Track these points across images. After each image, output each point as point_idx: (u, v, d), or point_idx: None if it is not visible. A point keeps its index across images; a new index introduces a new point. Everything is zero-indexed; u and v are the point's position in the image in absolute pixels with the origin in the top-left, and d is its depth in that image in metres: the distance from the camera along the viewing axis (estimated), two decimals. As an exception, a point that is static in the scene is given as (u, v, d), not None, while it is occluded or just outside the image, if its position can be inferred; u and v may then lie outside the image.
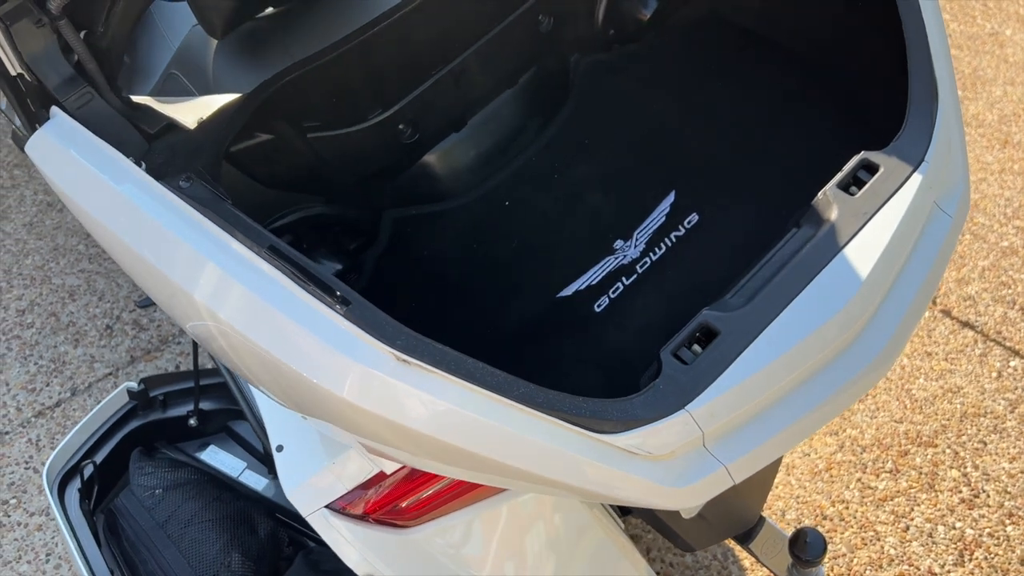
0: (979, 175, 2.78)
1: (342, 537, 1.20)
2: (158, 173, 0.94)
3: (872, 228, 0.94)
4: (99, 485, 1.67)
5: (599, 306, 1.15)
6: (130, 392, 1.80)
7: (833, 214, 0.96)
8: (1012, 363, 2.30)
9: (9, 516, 2.21)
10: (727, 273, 1.09)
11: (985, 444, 2.16)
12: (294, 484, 1.21)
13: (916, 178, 0.97)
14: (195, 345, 1.72)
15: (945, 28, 1.21)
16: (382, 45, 1.22)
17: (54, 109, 1.05)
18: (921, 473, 2.12)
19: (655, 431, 0.85)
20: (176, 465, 1.72)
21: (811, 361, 0.89)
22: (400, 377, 0.81)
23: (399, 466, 1.22)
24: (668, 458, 0.87)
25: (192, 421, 1.83)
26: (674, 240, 1.19)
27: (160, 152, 1.02)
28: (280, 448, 1.24)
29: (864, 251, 0.93)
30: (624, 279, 1.16)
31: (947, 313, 2.42)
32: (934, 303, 2.45)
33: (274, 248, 0.88)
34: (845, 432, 2.21)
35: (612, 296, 1.15)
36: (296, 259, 0.87)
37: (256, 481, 1.82)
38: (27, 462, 2.31)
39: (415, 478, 1.23)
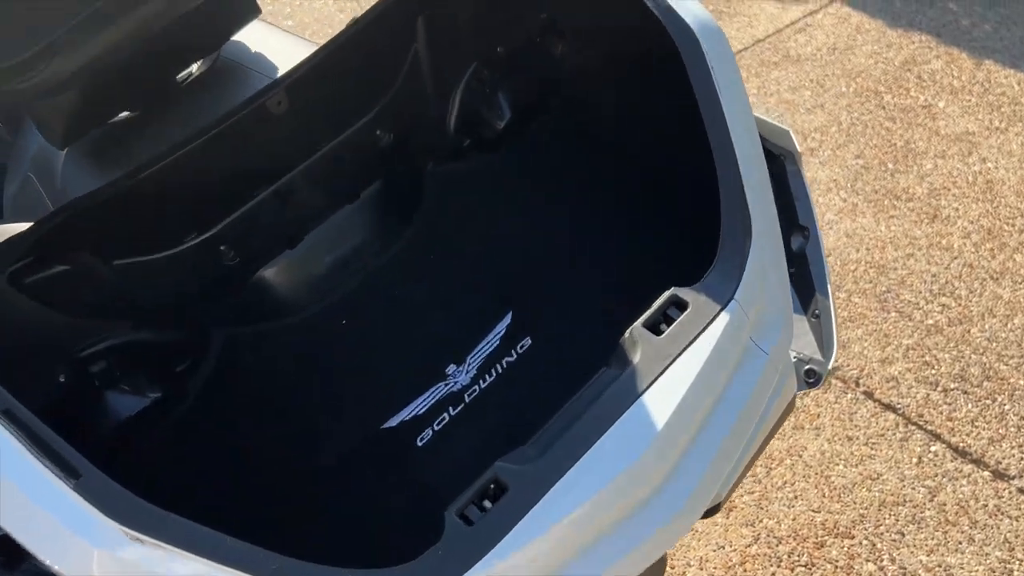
0: (907, 250, 2.77)
1: None
2: None
3: (675, 371, 0.91)
4: None
5: (421, 439, 1.12)
6: None
7: (637, 356, 0.93)
8: (933, 448, 2.26)
9: None
10: (550, 406, 1.05)
11: (903, 535, 2.10)
12: None
13: (723, 317, 0.94)
14: None
15: (763, 155, 1.19)
16: (196, 165, 1.19)
17: None
18: (837, 567, 2.07)
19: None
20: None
21: (601, 521, 0.85)
22: (134, 556, 0.77)
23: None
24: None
25: None
26: (505, 366, 1.16)
27: None
28: None
29: (664, 397, 0.89)
30: (451, 409, 1.13)
31: (869, 395, 2.38)
32: (856, 384, 2.42)
33: (9, 412, 0.84)
34: (762, 523, 2.16)
35: (436, 428, 1.12)
36: (31, 425, 0.83)
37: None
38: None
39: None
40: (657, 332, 0.95)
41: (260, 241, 1.34)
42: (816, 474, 2.23)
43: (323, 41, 1.37)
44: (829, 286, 1.73)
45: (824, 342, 1.66)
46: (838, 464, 2.25)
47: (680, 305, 0.97)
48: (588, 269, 1.25)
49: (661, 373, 0.91)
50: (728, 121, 1.06)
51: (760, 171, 1.07)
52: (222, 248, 1.30)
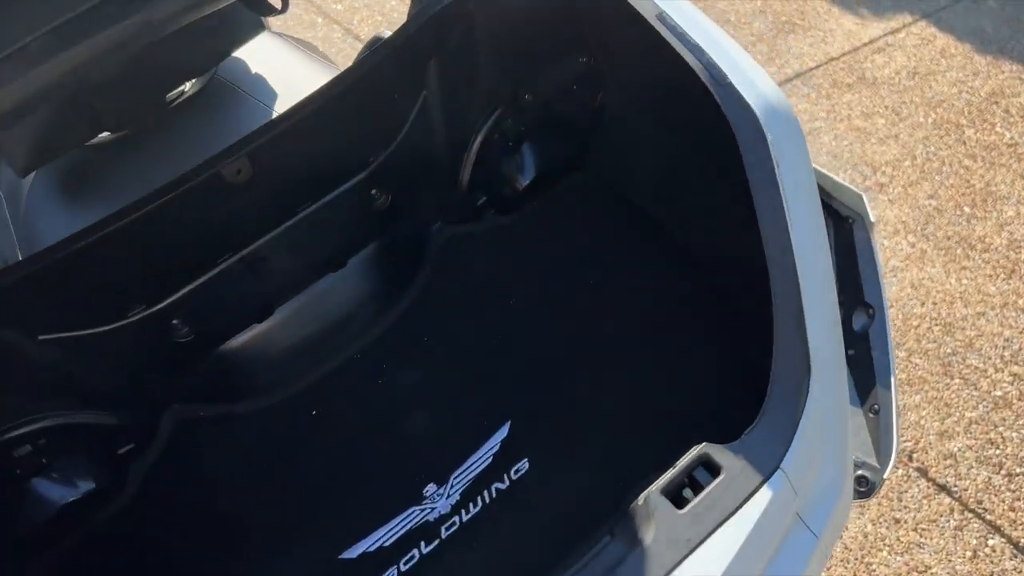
0: (978, 308, 2.53)
1: None
2: None
3: (697, 561, 0.72)
4: None
5: None
6: None
7: (650, 534, 0.75)
8: (991, 541, 2.04)
9: None
10: (539, 561, 0.87)
11: (948, 641, 1.90)
12: None
13: (764, 493, 0.76)
14: None
15: (832, 273, 0.98)
16: (140, 237, 1.02)
17: None
18: (871, 670, 1.87)
19: None
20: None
21: None
22: None
23: None
24: None
25: None
26: (494, 494, 0.98)
27: None
28: None
29: (681, 599, 0.71)
30: (423, 544, 0.96)
31: (923, 472, 2.16)
32: (909, 459, 2.20)
33: None
34: (790, 609, 1.96)
35: (403, 568, 0.94)
36: None
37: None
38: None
39: None
40: (679, 502, 0.77)
41: (222, 315, 1.17)
42: (856, 559, 2.02)
43: (366, 30, 1.17)
44: (893, 378, 1.51)
45: (881, 444, 1.45)
46: (882, 550, 2.04)
47: (711, 468, 0.79)
48: (608, 376, 1.07)
49: (679, 562, 0.72)
50: (792, 235, 0.87)
51: (827, 295, 0.88)
52: (174, 323, 1.13)
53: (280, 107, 1.40)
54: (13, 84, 0.93)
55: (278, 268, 1.17)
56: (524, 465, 1.00)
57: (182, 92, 1.45)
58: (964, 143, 3.02)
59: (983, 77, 3.26)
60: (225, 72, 1.46)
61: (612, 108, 1.20)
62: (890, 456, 1.41)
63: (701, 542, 0.74)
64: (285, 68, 1.47)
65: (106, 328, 1.09)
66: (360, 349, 1.16)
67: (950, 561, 2.01)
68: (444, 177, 1.28)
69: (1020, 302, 2.53)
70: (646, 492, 0.79)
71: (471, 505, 0.98)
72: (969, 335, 2.45)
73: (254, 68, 1.45)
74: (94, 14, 0.93)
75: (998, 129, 3.07)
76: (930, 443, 2.22)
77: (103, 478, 1.09)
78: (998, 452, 2.19)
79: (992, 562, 2.00)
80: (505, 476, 0.99)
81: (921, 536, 2.05)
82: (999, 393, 2.31)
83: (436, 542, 0.96)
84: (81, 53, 0.96)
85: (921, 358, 2.41)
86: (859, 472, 1.43)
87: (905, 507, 2.11)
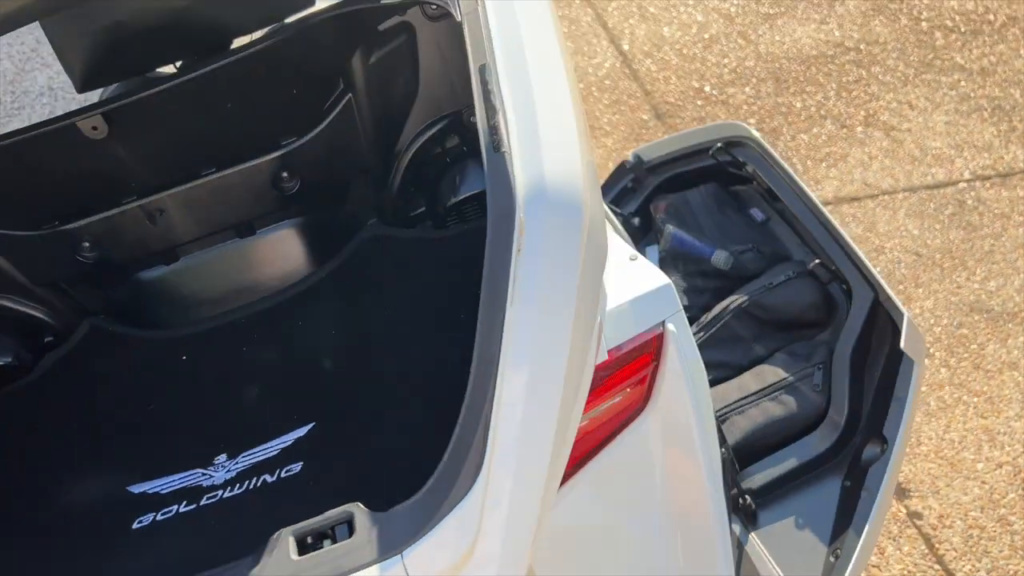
0: None
1: None
2: None
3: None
4: None
5: (140, 523, 1.02)
6: None
7: (264, 570, 0.75)
8: None
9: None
10: (249, 555, 0.91)
11: None
12: None
13: (372, 573, 0.72)
14: None
15: (557, 384, 0.80)
16: (25, 160, 1.17)
17: None
18: None
19: None
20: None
21: None
22: None
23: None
24: None
25: None
26: (259, 484, 1.01)
27: None
28: None
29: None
30: (183, 504, 1.02)
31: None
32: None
33: None
34: None
35: (159, 519, 1.02)
36: None
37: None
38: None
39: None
40: (310, 546, 0.77)
41: (125, 248, 1.32)
42: None
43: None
44: (870, 525, 1.28)
45: (825, 596, 1.25)
46: None
47: (352, 528, 0.77)
48: (410, 416, 1.05)
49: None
50: (511, 322, 0.77)
51: (545, 421, 0.75)
52: (85, 244, 1.30)
53: None
54: None
55: (178, 221, 1.30)
56: (297, 468, 1.03)
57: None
58: None
59: None
60: None
61: None
62: (825, 611, 1.22)
63: None
64: None
65: (24, 233, 1.28)
66: (245, 315, 1.26)
67: None
68: (376, 178, 1.31)
69: None
70: (283, 530, 0.81)
71: (237, 486, 1.03)
72: None
73: None
74: None
75: None
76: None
77: (21, 357, 1.30)
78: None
79: None
80: (277, 471, 1.03)
81: None
82: None
83: (193, 507, 1.03)
84: None
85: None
86: (785, 618, 1.25)
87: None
